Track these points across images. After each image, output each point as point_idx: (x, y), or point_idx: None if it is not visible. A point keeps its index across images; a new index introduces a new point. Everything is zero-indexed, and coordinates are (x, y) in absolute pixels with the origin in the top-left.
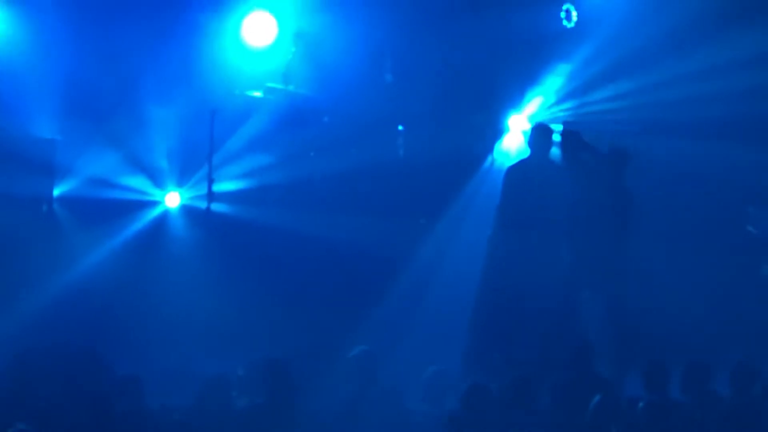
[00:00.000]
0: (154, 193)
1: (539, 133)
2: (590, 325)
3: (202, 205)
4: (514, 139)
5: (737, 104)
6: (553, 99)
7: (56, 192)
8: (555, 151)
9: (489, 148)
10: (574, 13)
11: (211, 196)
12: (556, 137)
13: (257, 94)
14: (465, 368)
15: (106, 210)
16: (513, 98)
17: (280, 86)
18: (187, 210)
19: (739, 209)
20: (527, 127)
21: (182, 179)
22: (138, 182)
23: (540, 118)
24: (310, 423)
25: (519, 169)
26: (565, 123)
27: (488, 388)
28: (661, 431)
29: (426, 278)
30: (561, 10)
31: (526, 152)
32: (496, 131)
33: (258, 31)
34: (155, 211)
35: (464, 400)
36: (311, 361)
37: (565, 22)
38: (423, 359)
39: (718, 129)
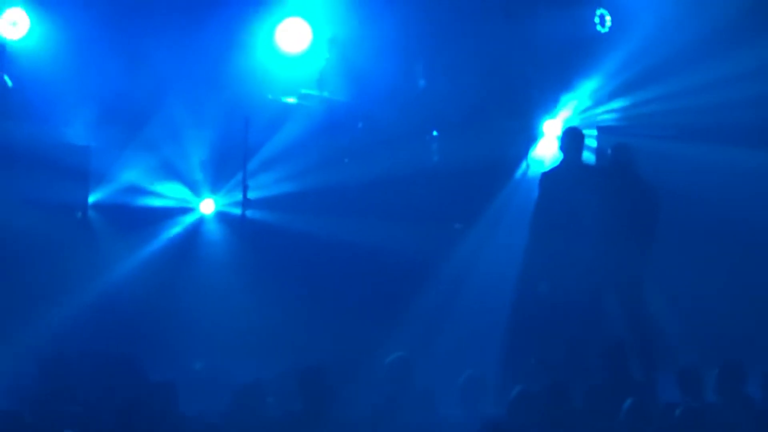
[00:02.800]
0: (189, 200)
1: (570, 137)
2: (621, 329)
3: (237, 211)
4: (548, 144)
5: None
6: (587, 104)
7: (91, 199)
8: (587, 155)
9: (523, 153)
10: (608, 18)
11: (246, 202)
12: (590, 141)
13: (291, 100)
14: (502, 373)
15: (141, 217)
16: (547, 103)
17: (314, 92)
18: (222, 216)
19: None
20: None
21: (217, 186)
22: (173, 189)
23: (574, 123)
24: (346, 430)
25: (552, 174)
26: (599, 127)
27: (535, 394)
28: None
29: (460, 284)
30: (595, 15)
31: (560, 157)
32: (530, 136)
33: (292, 37)
34: (190, 218)
35: (512, 407)
36: (347, 367)
37: (599, 27)
38: (458, 364)
39: (752, 134)
